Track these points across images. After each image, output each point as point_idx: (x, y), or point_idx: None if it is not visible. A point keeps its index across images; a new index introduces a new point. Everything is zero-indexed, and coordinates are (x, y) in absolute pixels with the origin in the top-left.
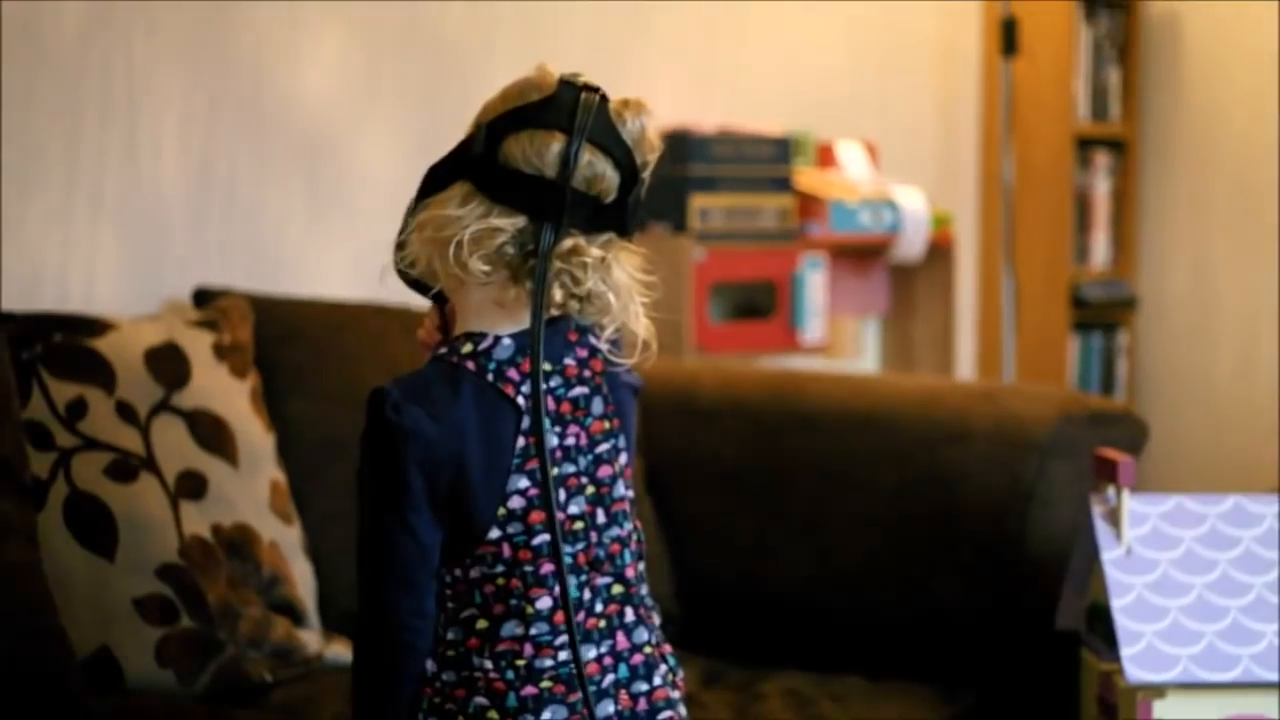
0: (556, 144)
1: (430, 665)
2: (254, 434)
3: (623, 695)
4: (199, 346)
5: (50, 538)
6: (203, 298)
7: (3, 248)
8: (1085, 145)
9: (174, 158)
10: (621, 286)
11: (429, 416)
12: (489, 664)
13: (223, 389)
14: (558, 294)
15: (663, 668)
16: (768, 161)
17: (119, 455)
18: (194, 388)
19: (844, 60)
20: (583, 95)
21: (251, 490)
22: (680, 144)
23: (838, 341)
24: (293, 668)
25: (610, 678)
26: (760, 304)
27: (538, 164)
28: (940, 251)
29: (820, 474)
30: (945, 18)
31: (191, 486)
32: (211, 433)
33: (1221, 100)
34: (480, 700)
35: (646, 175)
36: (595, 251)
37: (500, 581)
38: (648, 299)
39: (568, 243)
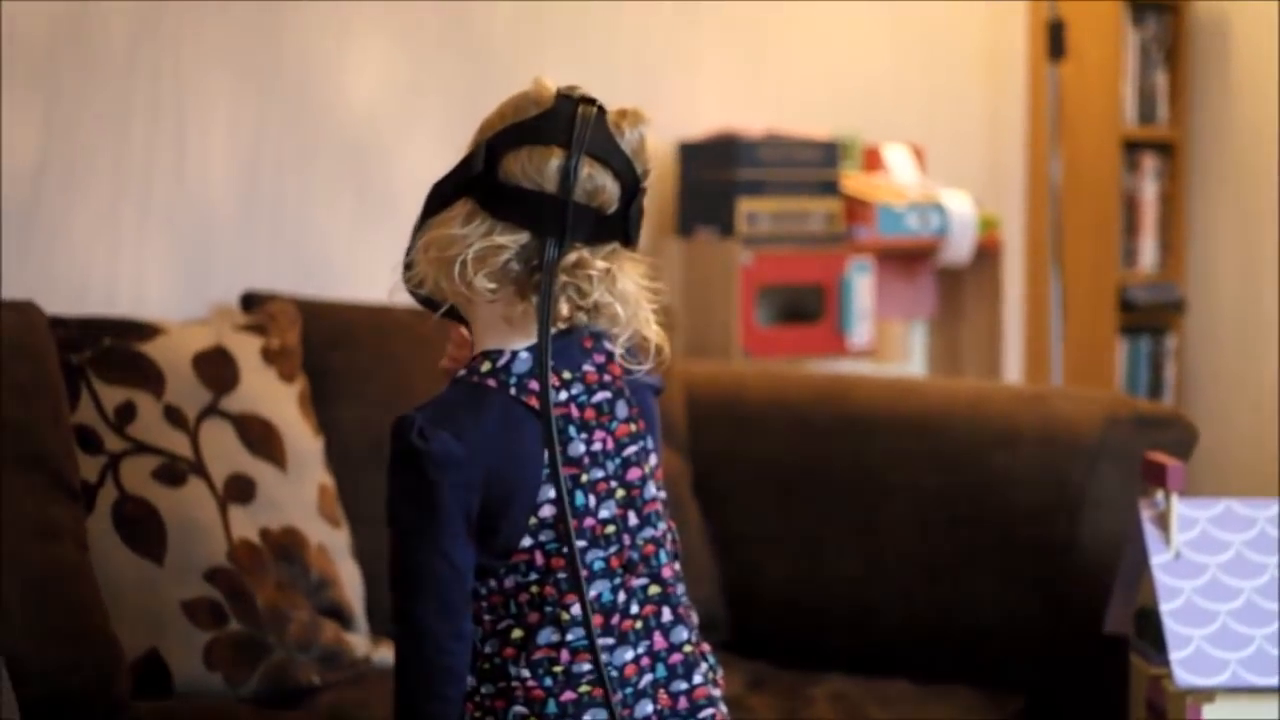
0: (556, 159)
1: (470, 680)
2: (302, 438)
3: (661, 694)
4: (247, 351)
5: (99, 541)
6: (251, 302)
7: (52, 253)
8: (1132, 148)
9: (221, 162)
10: (629, 295)
11: (455, 438)
12: (526, 672)
13: (271, 393)
14: (564, 307)
15: (703, 666)
16: (815, 165)
17: (167, 459)
18: (242, 392)
19: (890, 63)
20: (580, 108)
21: (299, 494)
22: (727, 148)
23: (885, 345)
24: (341, 671)
25: (648, 678)
26: (808, 308)
27: (538, 179)
28: (987, 255)
29: (868, 478)
30: (992, 20)
31: (240, 490)
32: (259, 436)
33: (1270, 103)
34: (519, 709)
35: (647, 184)
36: (600, 264)
37: (534, 589)
38: (656, 305)
39: (572, 256)
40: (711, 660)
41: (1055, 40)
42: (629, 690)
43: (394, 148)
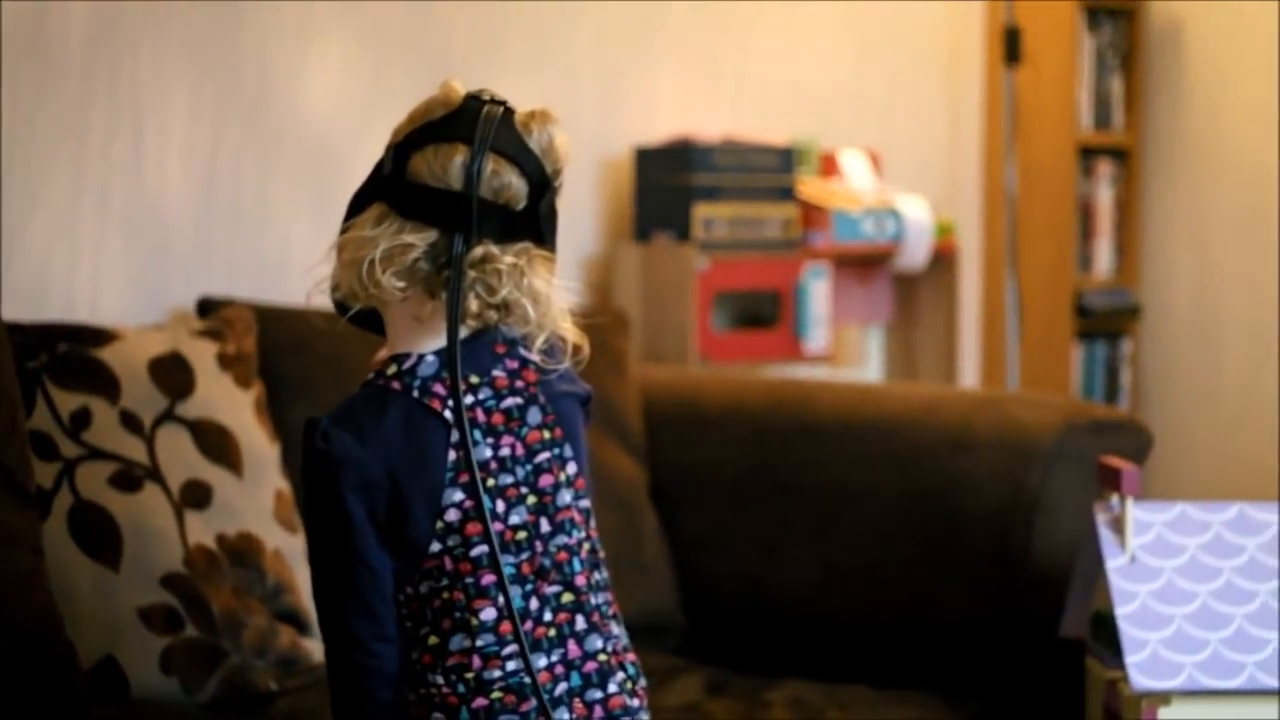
0: (460, 156)
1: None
2: (258, 444)
3: (577, 704)
4: (203, 356)
5: (55, 547)
6: (207, 307)
7: (8, 257)
8: (1088, 154)
9: (179, 167)
10: (539, 293)
11: (356, 440)
12: (440, 679)
13: (227, 399)
14: (473, 304)
15: (619, 675)
16: (771, 171)
17: (123, 465)
18: (198, 398)
19: (847, 69)
20: (485, 108)
21: (256, 500)
22: (684, 153)
23: (841, 350)
24: (298, 676)
25: (563, 686)
26: (764, 313)
27: (444, 177)
28: (943, 260)
29: (824, 483)
30: (948, 26)
31: (196, 496)
32: (215, 442)
33: (1225, 108)
34: (437, 716)
35: (558, 184)
36: (508, 260)
37: (445, 595)
38: (570, 305)
39: (478, 251)
40: (632, 670)
41: (1011, 46)
42: (544, 698)
43: (352, 152)
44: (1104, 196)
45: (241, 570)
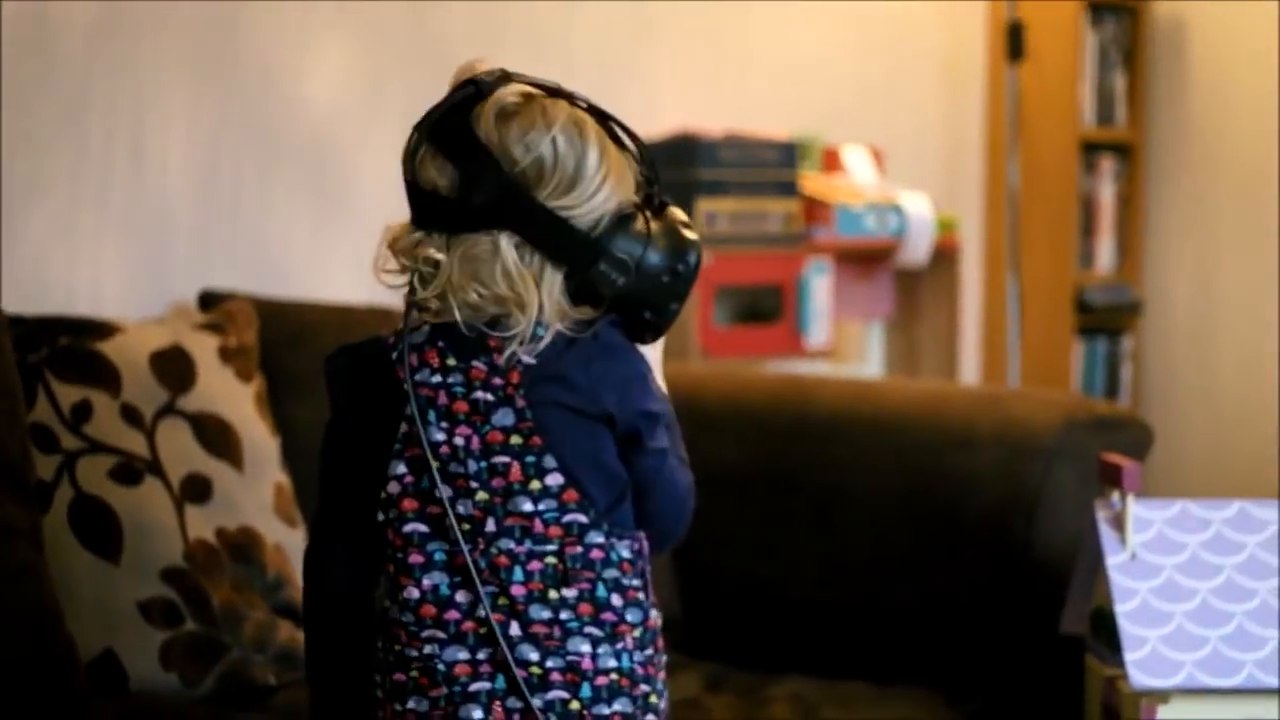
0: (411, 143)
1: None
2: (259, 437)
3: (496, 707)
4: (204, 350)
5: (55, 541)
6: (208, 301)
7: (9, 251)
8: (1091, 150)
9: (180, 161)
10: (498, 280)
11: (341, 371)
12: (380, 644)
13: (228, 392)
14: (427, 291)
15: (557, 694)
16: (773, 166)
17: (124, 458)
18: (199, 391)
19: (850, 65)
20: (457, 93)
21: (256, 494)
22: (686, 148)
23: (843, 346)
24: (297, 671)
25: (484, 685)
26: (765, 308)
27: (403, 161)
28: (945, 256)
29: (825, 478)
30: (951, 23)
31: (196, 490)
32: (216, 436)
33: (1227, 105)
34: (377, 675)
35: (515, 172)
36: (431, 252)
37: (389, 566)
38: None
39: (415, 235)
40: (588, 694)
41: (1014, 42)
42: (456, 689)
43: (353, 147)
44: (1106, 193)
45: (241, 564)
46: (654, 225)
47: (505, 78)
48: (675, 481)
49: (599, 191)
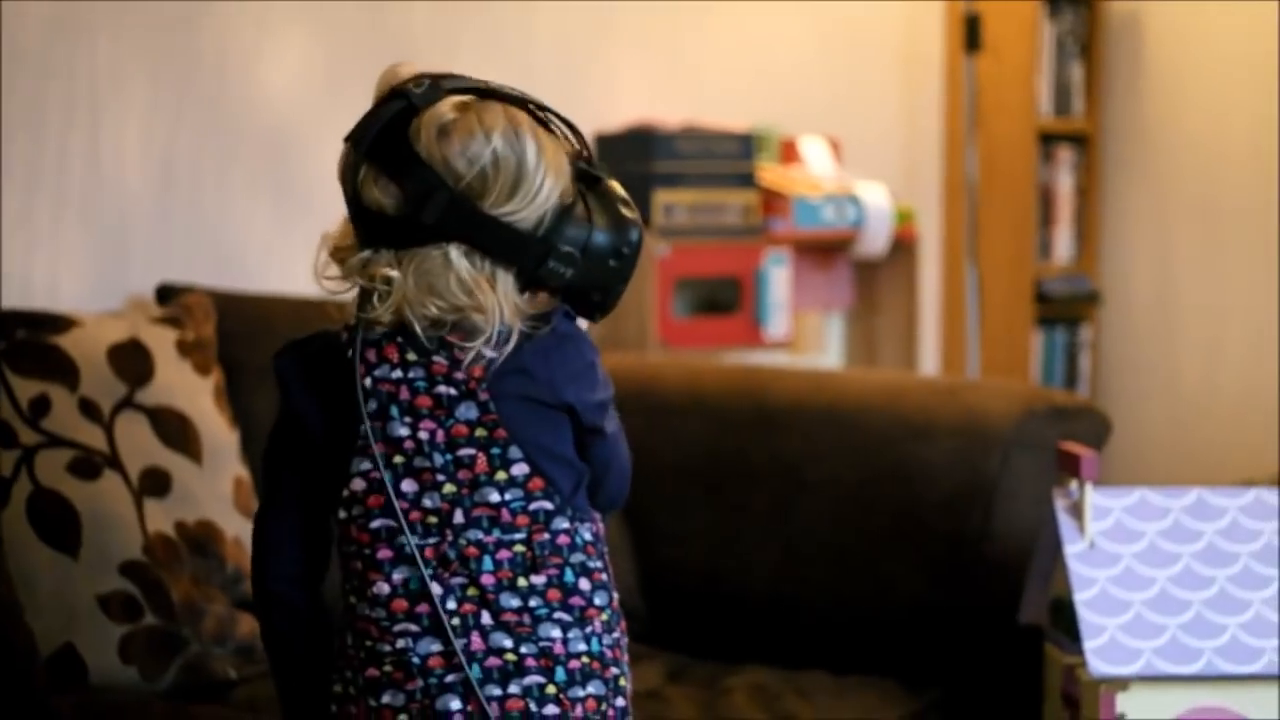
0: (345, 158)
1: None
2: (217, 430)
3: (472, 696)
4: (162, 343)
5: (14, 535)
6: (166, 294)
7: None
8: (1048, 141)
9: (138, 156)
10: (454, 290)
11: (296, 370)
12: (350, 640)
13: (186, 386)
14: (380, 308)
15: (533, 679)
16: (732, 157)
17: (82, 452)
18: (157, 385)
19: (808, 56)
20: (382, 108)
21: (215, 487)
22: (644, 140)
23: (801, 337)
24: (257, 664)
25: (458, 675)
26: (724, 299)
27: (339, 174)
28: (903, 247)
29: (784, 469)
30: (909, 14)
31: (155, 483)
32: (175, 430)
33: (1183, 95)
34: (348, 673)
35: (461, 186)
36: (385, 270)
37: (355, 563)
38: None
39: (364, 254)
40: (563, 677)
41: (971, 33)
42: (432, 680)
43: (311, 141)
44: (1064, 183)
45: (201, 558)
46: (594, 208)
47: (435, 87)
48: (625, 460)
49: (541, 189)
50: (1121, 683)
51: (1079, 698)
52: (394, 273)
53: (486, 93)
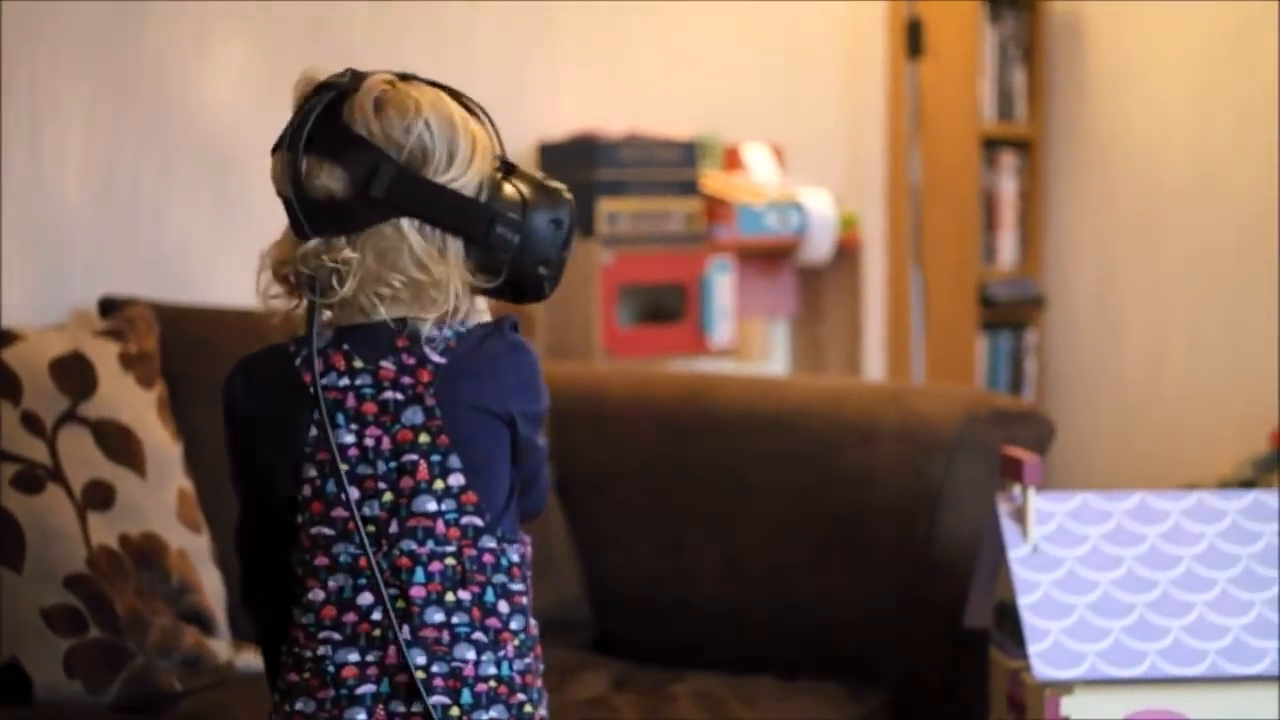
0: (278, 161)
1: None
2: (161, 443)
3: (379, 710)
4: (105, 356)
5: None
6: (109, 307)
7: None
8: (991, 146)
9: (78, 167)
10: (409, 265)
11: (245, 388)
12: (284, 644)
13: (129, 398)
14: (340, 290)
15: (439, 699)
16: (675, 165)
17: (25, 466)
18: (100, 398)
19: (749, 63)
20: (310, 101)
21: (159, 499)
22: (587, 148)
23: (747, 344)
24: (202, 676)
25: (369, 688)
26: (669, 307)
27: (279, 186)
28: (848, 253)
29: (730, 476)
30: (850, 20)
31: (99, 496)
32: (118, 442)
33: (1125, 99)
34: (281, 681)
35: (404, 157)
36: (346, 253)
37: (296, 569)
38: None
39: (310, 245)
40: (468, 700)
41: (914, 39)
42: (343, 691)
43: (252, 152)
44: (1007, 188)
45: (145, 571)
46: (521, 184)
47: (356, 74)
48: (547, 476)
49: (474, 159)
50: (1066, 686)
51: (1024, 701)
52: (353, 254)
53: (405, 77)
